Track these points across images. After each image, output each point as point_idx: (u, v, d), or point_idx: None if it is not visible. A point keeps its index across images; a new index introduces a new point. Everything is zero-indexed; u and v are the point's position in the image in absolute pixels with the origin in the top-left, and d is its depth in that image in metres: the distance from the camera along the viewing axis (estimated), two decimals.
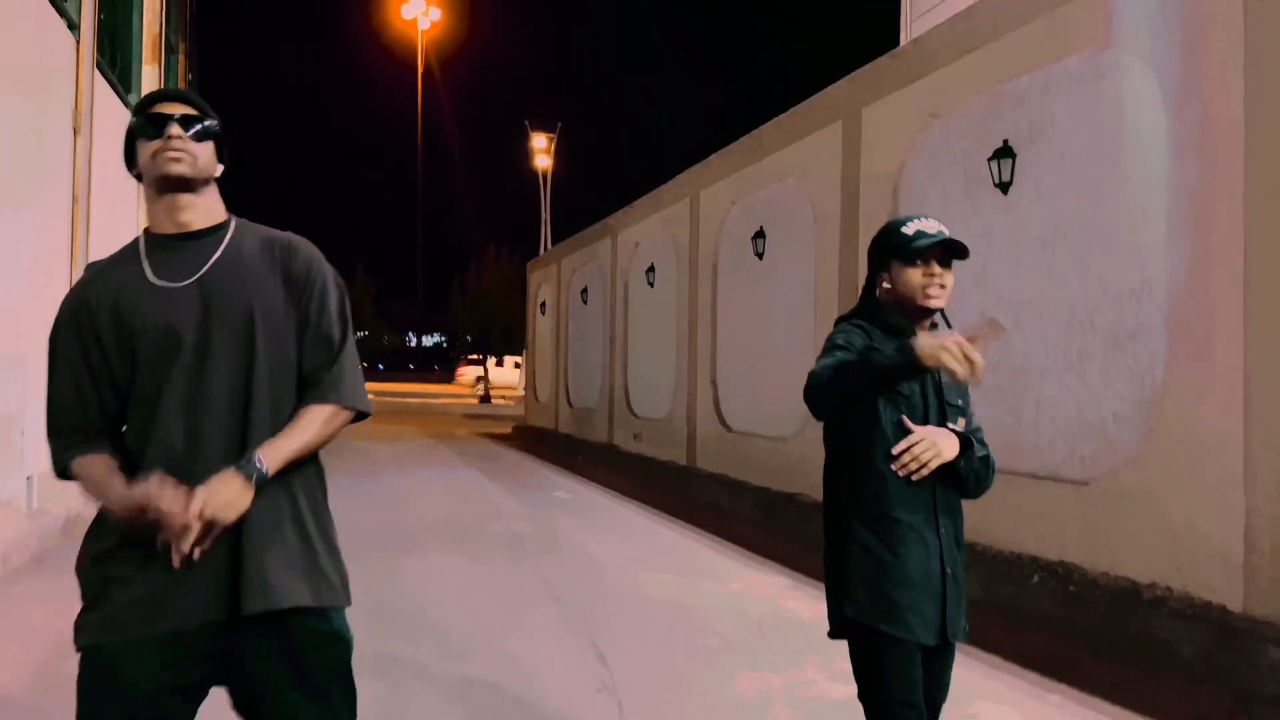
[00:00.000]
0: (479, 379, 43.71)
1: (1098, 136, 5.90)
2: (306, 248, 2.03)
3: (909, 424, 2.28)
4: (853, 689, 4.11)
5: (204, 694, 1.94)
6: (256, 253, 1.97)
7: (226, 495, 1.77)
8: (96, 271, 1.97)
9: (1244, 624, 4.60)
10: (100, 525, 1.91)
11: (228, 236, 1.96)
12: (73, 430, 1.91)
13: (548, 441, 20.01)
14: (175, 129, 1.91)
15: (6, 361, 7.50)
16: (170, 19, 16.59)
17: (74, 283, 2.03)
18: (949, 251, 2.35)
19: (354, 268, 52.31)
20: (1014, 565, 6.19)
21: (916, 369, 2.06)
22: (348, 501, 11.07)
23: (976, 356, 2.00)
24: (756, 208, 10.86)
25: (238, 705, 1.93)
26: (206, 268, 1.89)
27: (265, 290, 1.92)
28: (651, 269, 14.49)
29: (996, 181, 6.69)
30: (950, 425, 2.35)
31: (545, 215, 42.83)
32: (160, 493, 1.73)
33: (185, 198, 1.93)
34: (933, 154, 7.57)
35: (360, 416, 2.01)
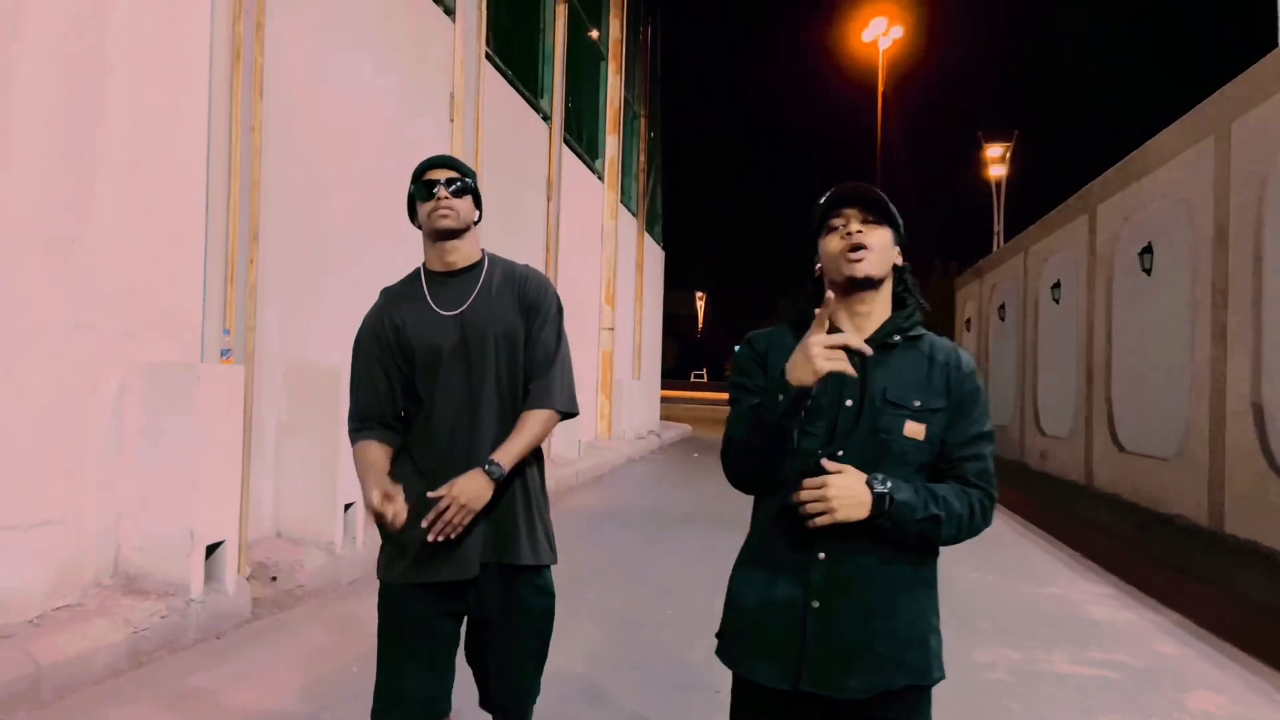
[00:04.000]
0: None
1: None
2: (537, 278, 2.49)
3: (825, 464, 1.82)
4: (1083, 669, 4.85)
5: (461, 620, 2.44)
6: (501, 284, 2.43)
7: (474, 488, 2.26)
8: (391, 296, 2.47)
9: None
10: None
11: (482, 274, 2.43)
12: (368, 414, 2.41)
13: None
14: (442, 191, 2.36)
15: None
16: (632, 88, 19.87)
17: (375, 305, 2.50)
18: (865, 205, 1.89)
19: (806, 285, 54.32)
20: None
21: (797, 392, 1.75)
22: (686, 494, 12.68)
23: (840, 340, 1.73)
24: (1144, 222, 10.62)
25: (469, 633, 2.46)
26: (470, 300, 2.39)
27: (507, 316, 2.39)
28: (1057, 285, 14.35)
29: None
30: (883, 434, 1.87)
31: (998, 228, 41.59)
32: (385, 508, 2.21)
33: (451, 244, 2.41)
34: None
35: (567, 416, 2.45)
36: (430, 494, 2.27)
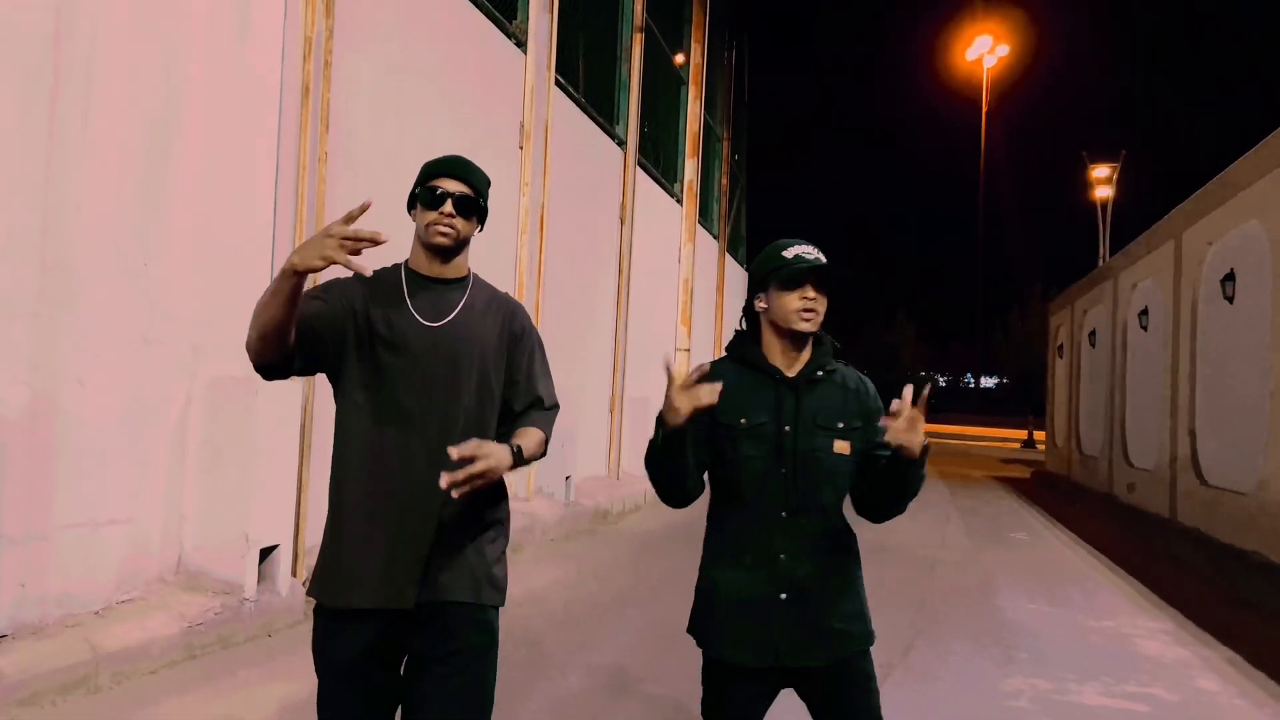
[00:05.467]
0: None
1: None
2: (523, 309, 2.45)
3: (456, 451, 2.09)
4: (1112, 701, 4.83)
5: (396, 670, 2.26)
6: (486, 306, 2.35)
7: (500, 454, 2.12)
8: (368, 281, 2.22)
9: None
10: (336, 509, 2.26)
11: (468, 290, 2.33)
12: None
13: (1057, 488, 19.55)
14: (448, 207, 2.23)
15: (563, 397, 10.47)
16: (714, 111, 20.06)
17: (348, 278, 2.22)
18: (824, 276, 2.32)
19: (895, 310, 53.50)
20: None
21: (667, 428, 2.15)
22: None
23: (704, 390, 2.10)
24: (1227, 249, 10.27)
25: (406, 690, 2.25)
26: (453, 315, 2.28)
27: (488, 338, 2.31)
28: (1144, 312, 13.91)
29: None
30: (818, 453, 2.29)
31: (1103, 250, 40.31)
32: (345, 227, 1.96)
33: (443, 257, 2.30)
34: None
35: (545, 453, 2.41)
36: (453, 449, 2.07)
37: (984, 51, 52.41)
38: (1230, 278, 10.03)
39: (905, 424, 2.11)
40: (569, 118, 11.10)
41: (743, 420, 2.31)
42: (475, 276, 2.40)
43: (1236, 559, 8.82)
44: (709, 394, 2.11)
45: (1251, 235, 9.43)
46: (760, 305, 2.39)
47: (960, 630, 6.34)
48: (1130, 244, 15.04)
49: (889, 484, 2.26)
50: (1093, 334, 18.04)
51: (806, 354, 2.38)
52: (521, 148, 9.47)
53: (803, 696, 2.37)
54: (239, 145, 5.44)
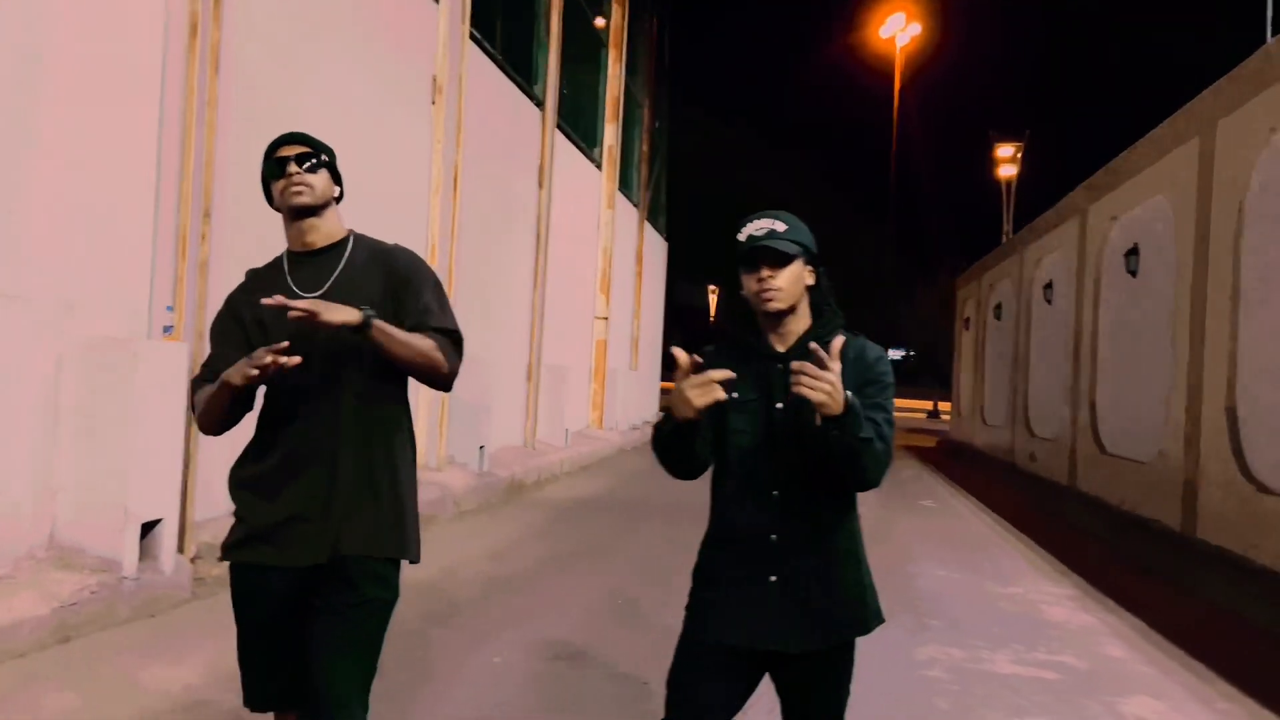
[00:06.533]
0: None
1: None
2: (407, 253, 2.39)
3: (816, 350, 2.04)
4: (1024, 669, 4.82)
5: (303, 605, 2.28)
6: (367, 262, 2.33)
7: (341, 307, 2.11)
8: (252, 276, 2.39)
9: None
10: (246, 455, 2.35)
11: (346, 252, 2.33)
12: (212, 378, 2.27)
13: (962, 457, 20.05)
14: (293, 167, 2.26)
15: (477, 364, 10.18)
16: (635, 76, 19.76)
17: (238, 285, 2.40)
18: (772, 260, 2.18)
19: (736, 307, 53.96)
20: None
21: (680, 424, 2.10)
22: (671, 485, 12.55)
23: (713, 376, 2.03)
24: (1131, 224, 10.52)
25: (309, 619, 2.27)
26: (330, 281, 2.29)
27: (371, 295, 2.25)
28: (1049, 286, 14.23)
29: None
30: (808, 428, 2.08)
31: (1007, 227, 41.48)
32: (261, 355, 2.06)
33: (309, 222, 2.30)
34: (1273, 170, 7.12)
35: (448, 377, 2.32)
36: (268, 300, 2.12)
37: (897, 30, 52.99)
38: (1134, 252, 10.27)
39: (804, 376, 1.97)
40: (485, 74, 10.72)
41: (733, 394, 2.20)
42: (356, 236, 2.40)
43: (1135, 526, 9.08)
44: (721, 391, 2.04)
45: (1156, 211, 9.64)
46: (743, 290, 2.28)
47: None
48: (1037, 219, 15.35)
49: (823, 450, 2.07)
50: (999, 307, 18.45)
51: (801, 327, 2.26)
52: (434, 103, 9.07)
53: (778, 683, 2.29)
54: (117, 84, 4.99)
